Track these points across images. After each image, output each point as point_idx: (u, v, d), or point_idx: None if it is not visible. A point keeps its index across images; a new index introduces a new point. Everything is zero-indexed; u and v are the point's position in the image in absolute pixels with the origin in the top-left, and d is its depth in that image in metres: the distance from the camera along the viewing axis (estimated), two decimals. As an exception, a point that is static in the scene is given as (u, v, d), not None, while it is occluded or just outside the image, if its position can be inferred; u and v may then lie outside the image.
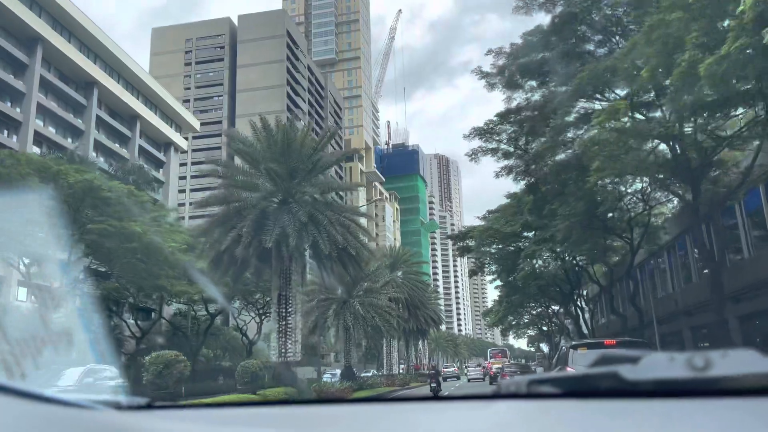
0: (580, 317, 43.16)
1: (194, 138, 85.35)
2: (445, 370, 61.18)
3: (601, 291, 43.02)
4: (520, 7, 23.95)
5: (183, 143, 70.35)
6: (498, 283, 47.86)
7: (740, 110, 19.63)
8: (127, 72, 58.30)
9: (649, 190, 28.90)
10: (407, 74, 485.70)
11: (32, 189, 22.42)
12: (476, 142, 28.44)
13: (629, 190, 28.36)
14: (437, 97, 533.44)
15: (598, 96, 20.62)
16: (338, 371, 40.53)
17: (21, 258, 25.78)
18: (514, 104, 25.77)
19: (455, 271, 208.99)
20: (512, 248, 38.75)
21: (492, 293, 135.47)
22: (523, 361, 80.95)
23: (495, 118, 25.79)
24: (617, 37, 22.31)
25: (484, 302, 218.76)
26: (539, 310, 59.47)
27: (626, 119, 18.01)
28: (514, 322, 63.48)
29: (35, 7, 46.43)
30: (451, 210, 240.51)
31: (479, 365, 59.83)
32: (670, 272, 31.49)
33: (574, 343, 14.11)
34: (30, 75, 45.91)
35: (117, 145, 57.33)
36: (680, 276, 30.07)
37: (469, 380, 51.80)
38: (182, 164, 79.34)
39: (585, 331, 41.44)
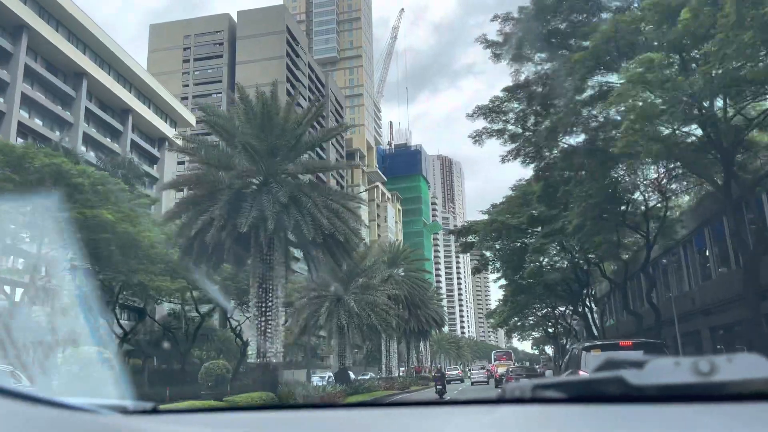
0: (589, 317, 41.58)
1: (192, 135, 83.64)
2: (449, 372, 59.57)
3: (611, 290, 41.46)
4: None
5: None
6: (502, 282, 46.25)
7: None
8: (119, 64, 56.50)
9: (665, 180, 27.13)
10: (411, 76, 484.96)
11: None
12: (480, 123, 26.32)
13: (645, 181, 26.64)
14: (441, 100, 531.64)
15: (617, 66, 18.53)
16: (330, 374, 38.73)
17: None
18: (522, 78, 23.63)
19: (458, 272, 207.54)
20: (518, 244, 37.07)
21: (495, 294, 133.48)
22: (527, 363, 79.17)
23: (501, 94, 23.64)
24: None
25: (487, 304, 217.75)
26: (545, 311, 57.91)
27: (667, 73, 15.93)
28: (519, 324, 61.81)
29: (20, -7, 44.65)
30: (454, 212, 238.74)
31: (483, 368, 58.74)
32: (686, 269, 29.74)
33: (586, 344, 12.71)
34: (14, 64, 44.05)
35: (108, 139, 55.49)
36: (698, 273, 28.37)
37: (472, 383, 50.34)
38: (180, 163, 77.65)
39: (594, 332, 39.90)
